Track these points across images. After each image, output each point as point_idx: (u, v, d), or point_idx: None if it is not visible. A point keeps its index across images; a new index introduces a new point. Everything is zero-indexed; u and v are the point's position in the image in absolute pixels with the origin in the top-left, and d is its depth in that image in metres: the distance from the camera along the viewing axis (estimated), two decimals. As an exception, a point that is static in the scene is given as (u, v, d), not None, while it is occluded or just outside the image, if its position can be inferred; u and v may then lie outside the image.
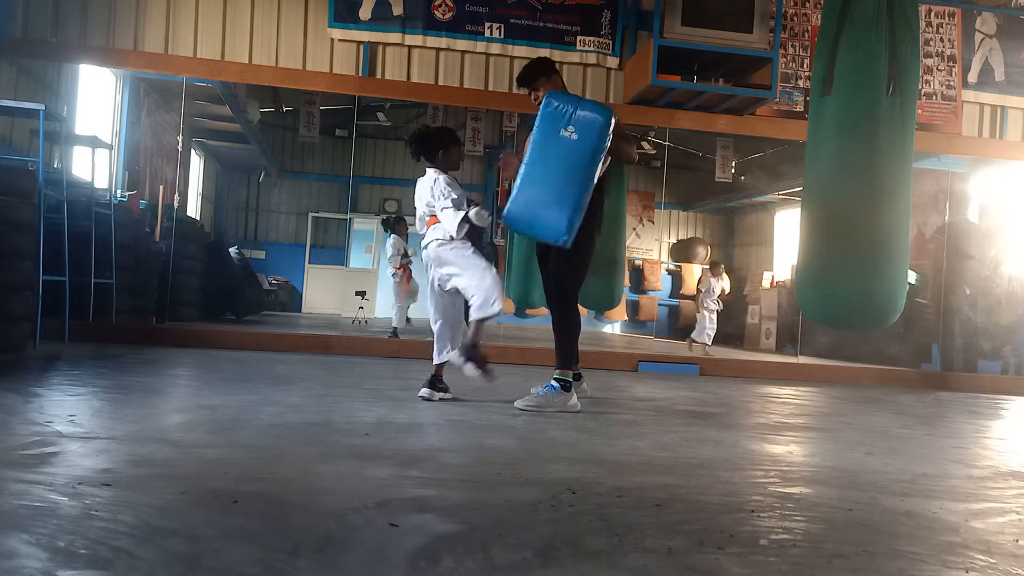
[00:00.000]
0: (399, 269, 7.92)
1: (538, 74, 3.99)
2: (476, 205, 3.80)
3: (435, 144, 3.89)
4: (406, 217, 8.02)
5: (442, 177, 3.83)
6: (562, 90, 3.95)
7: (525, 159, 3.69)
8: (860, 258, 3.96)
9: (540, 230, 3.67)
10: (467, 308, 3.90)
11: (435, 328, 3.90)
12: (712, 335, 9.27)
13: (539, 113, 3.67)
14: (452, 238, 3.76)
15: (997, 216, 8.59)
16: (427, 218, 3.88)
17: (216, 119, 9.49)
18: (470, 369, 3.70)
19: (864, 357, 8.48)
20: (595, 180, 3.61)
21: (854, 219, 3.98)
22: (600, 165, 3.61)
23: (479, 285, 3.69)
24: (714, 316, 9.40)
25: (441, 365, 3.87)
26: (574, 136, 3.53)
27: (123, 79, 8.17)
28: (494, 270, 3.76)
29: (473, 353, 3.70)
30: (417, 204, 3.93)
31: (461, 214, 3.72)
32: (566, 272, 3.87)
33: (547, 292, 4.09)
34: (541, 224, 3.62)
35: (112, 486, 1.80)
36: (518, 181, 3.69)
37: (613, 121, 3.58)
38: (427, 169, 3.90)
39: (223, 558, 1.40)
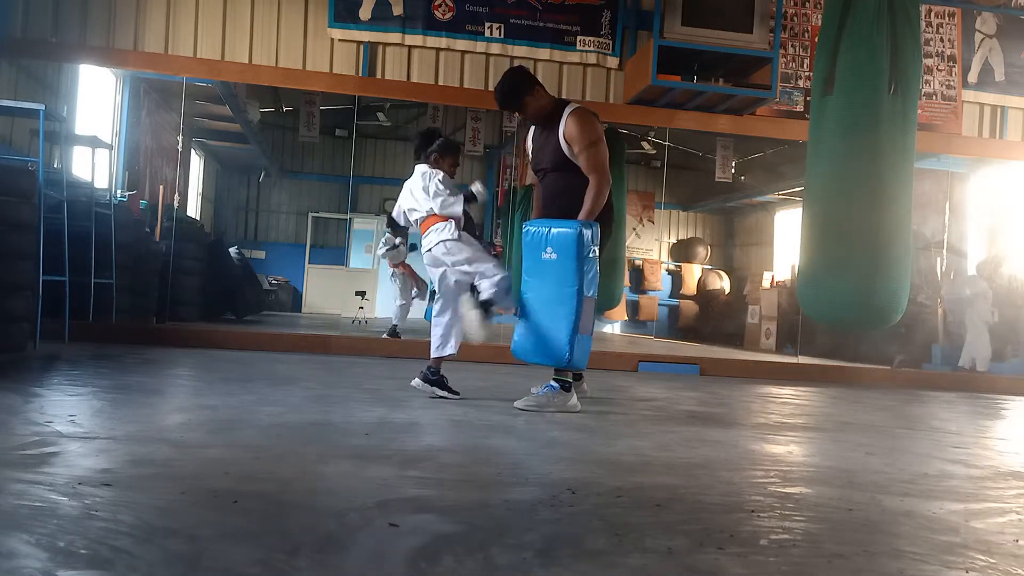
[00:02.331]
0: (398, 267, 7.90)
1: (521, 94, 3.84)
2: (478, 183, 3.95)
3: (443, 150, 3.94)
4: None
5: (441, 175, 3.88)
6: (545, 99, 3.89)
7: (522, 289, 3.82)
8: (862, 258, 3.95)
9: (545, 359, 3.76)
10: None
11: (439, 321, 3.91)
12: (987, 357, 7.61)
13: (522, 239, 3.81)
14: (459, 236, 3.80)
15: (997, 216, 8.59)
16: (423, 219, 3.88)
17: (216, 119, 9.49)
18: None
19: (864, 357, 8.48)
20: (588, 294, 3.62)
21: (855, 219, 3.98)
22: (593, 273, 3.62)
23: (496, 272, 3.81)
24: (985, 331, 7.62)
25: (440, 359, 3.88)
26: (554, 256, 3.64)
27: (123, 79, 8.17)
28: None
29: (488, 306, 3.77)
30: (405, 201, 3.96)
31: (459, 196, 3.82)
32: None
33: None
34: (544, 352, 3.73)
35: (112, 486, 1.80)
36: (518, 319, 3.84)
37: (593, 233, 3.59)
38: (417, 167, 3.94)
39: (223, 558, 1.40)
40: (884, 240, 3.95)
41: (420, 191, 3.86)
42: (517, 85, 3.87)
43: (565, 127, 3.76)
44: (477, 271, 3.82)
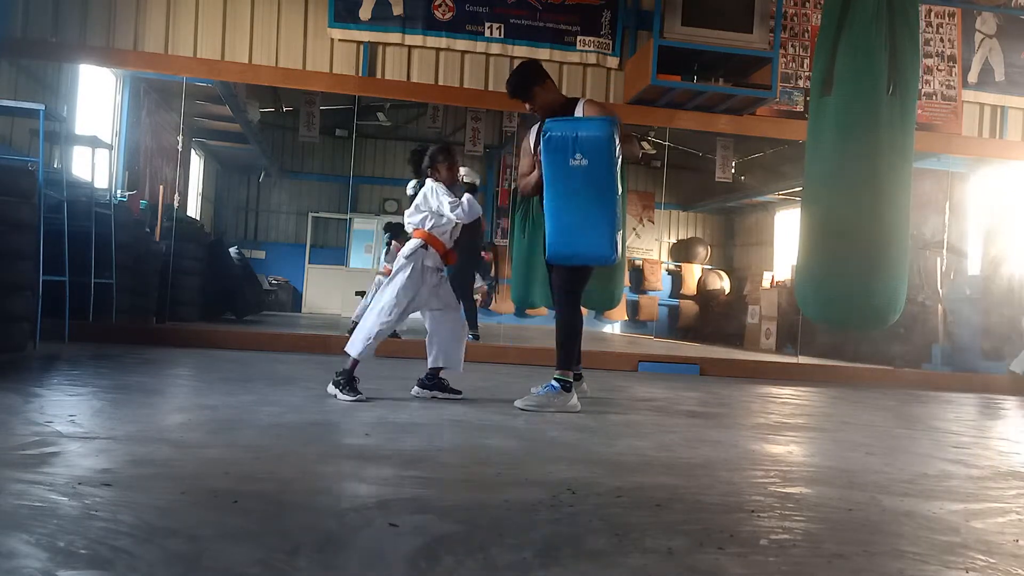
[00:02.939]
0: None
1: (531, 84, 3.90)
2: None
3: (434, 160, 3.89)
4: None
5: (440, 186, 3.84)
6: (555, 93, 3.95)
7: (545, 195, 3.70)
8: (860, 258, 3.95)
9: (585, 259, 3.70)
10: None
11: (430, 338, 3.92)
12: None
13: (542, 148, 3.67)
14: (411, 268, 3.76)
15: (997, 216, 8.59)
16: (415, 228, 3.88)
17: (216, 119, 9.49)
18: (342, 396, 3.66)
19: (864, 357, 8.48)
20: (620, 189, 3.62)
21: (854, 219, 3.98)
22: (619, 174, 3.60)
23: (375, 323, 3.72)
24: None
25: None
26: (584, 163, 3.54)
27: (123, 79, 8.17)
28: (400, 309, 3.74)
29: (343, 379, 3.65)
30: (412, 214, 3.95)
31: (465, 196, 3.78)
32: (571, 273, 3.87)
33: (552, 291, 4.10)
34: (584, 253, 3.67)
35: (112, 486, 1.80)
36: (547, 220, 3.71)
37: (616, 132, 3.57)
38: (427, 181, 3.92)
39: (223, 558, 1.40)
40: (882, 240, 3.95)
41: (420, 200, 3.85)
42: (528, 75, 3.92)
43: (584, 112, 3.81)
44: (375, 303, 3.80)
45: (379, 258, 9.58)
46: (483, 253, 9.28)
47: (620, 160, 3.61)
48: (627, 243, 9.80)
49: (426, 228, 3.82)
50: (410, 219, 3.88)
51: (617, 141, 3.56)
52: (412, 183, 3.95)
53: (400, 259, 3.80)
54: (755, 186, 11.76)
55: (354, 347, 3.71)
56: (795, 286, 4.42)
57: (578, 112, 3.81)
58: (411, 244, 3.82)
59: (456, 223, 3.83)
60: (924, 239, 8.74)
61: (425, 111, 9.70)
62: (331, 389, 3.65)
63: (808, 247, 4.21)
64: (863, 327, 4.69)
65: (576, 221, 3.62)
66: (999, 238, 8.49)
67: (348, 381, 3.61)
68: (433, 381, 3.87)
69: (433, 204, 3.79)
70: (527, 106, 3.98)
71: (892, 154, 3.95)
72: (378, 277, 7.99)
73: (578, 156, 3.54)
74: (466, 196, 3.79)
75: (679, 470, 2.49)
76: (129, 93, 8.28)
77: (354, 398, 3.55)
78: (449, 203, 3.74)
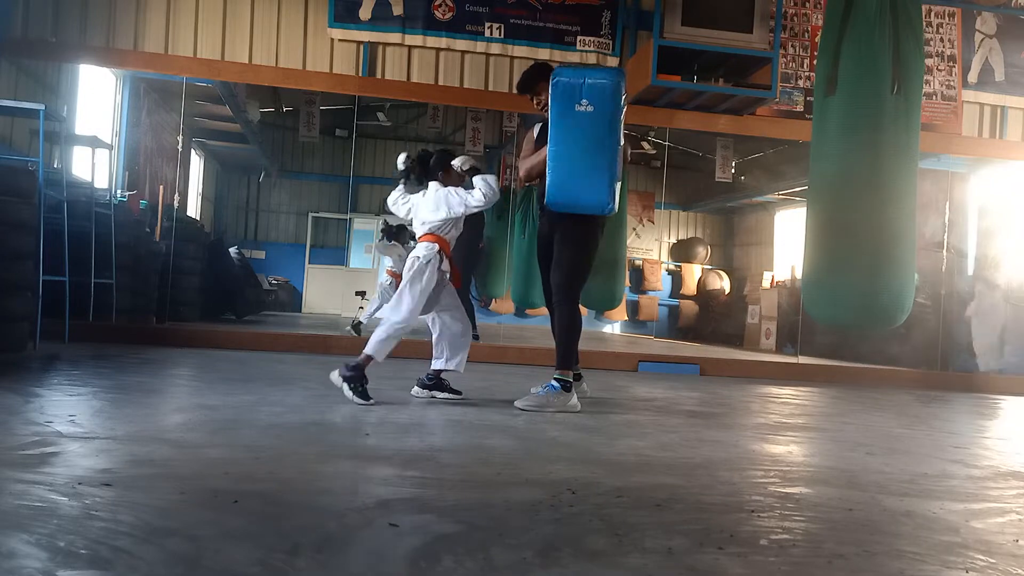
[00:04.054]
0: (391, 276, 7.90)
1: (538, 79, 3.99)
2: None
3: (442, 165, 3.88)
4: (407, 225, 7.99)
5: (443, 188, 3.83)
6: None
7: (549, 140, 3.73)
8: (866, 258, 3.95)
9: (583, 207, 3.73)
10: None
11: (434, 334, 3.91)
12: None
13: (550, 92, 3.70)
14: (426, 269, 3.74)
15: (997, 216, 8.58)
16: (424, 233, 3.86)
17: (216, 119, 9.49)
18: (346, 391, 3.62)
19: (864, 357, 8.48)
20: (621, 142, 3.67)
21: (859, 219, 3.98)
22: (622, 126, 3.65)
23: (392, 323, 3.71)
24: None
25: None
26: (590, 108, 3.58)
27: (123, 79, 8.17)
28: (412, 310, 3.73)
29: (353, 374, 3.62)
30: (415, 212, 3.93)
31: (477, 183, 3.76)
32: (569, 272, 3.87)
33: (547, 293, 4.10)
34: (582, 201, 3.71)
35: (112, 486, 1.80)
36: (549, 164, 3.73)
37: (623, 83, 3.63)
38: (431, 184, 3.88)
39: (223, 558, 1.39)
40: (888, 240, 3.95)
41: (429, 203, 3.83)
42: (536, 72, 4.01)
43: None
44: (391, 304, 3.79)
45: (378, 259, 9.59)
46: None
47: (624, 111, 3.66)
48: (627, 243, 9.80)
49: (443, 233, 3.81)
50: (425, 219, 3.84)
51: (624, 92, 3.62)
52: (402, 157, 3.92)
53: (417, 261, 3.77)
54: (755, 186, 11.76)
55: (371, 347, 3.69)
56: (801, 287, 4.42)
57: None
58: (427, 246, 3.79)
59: (457, 221, 3.82)
60: (924, 239, 8.74)
61: (425, 111, 9.70)
62: (336, 378, 3.60)
63: (814, 247, 4.21)
64: (870, 326, 4.68)
65: (576, 168, 3.66)
66: (998, 238, 8.49)
67: (360, 382, 3.57)
68: (434, 381, 3.87)
69: (455, 205, 3.76)
70: (534, 102, 4.00)
71: (897, 153, 3.95)
72: (383, 277, 8.00)
73: (584, 102, 3.59)
74: (479, 176, 3.76)
75: (679, 470, 2.49)
76: (129, 93, 8.28)
77: (362, 402, 3.53)
78: (471, 193, 3.75)
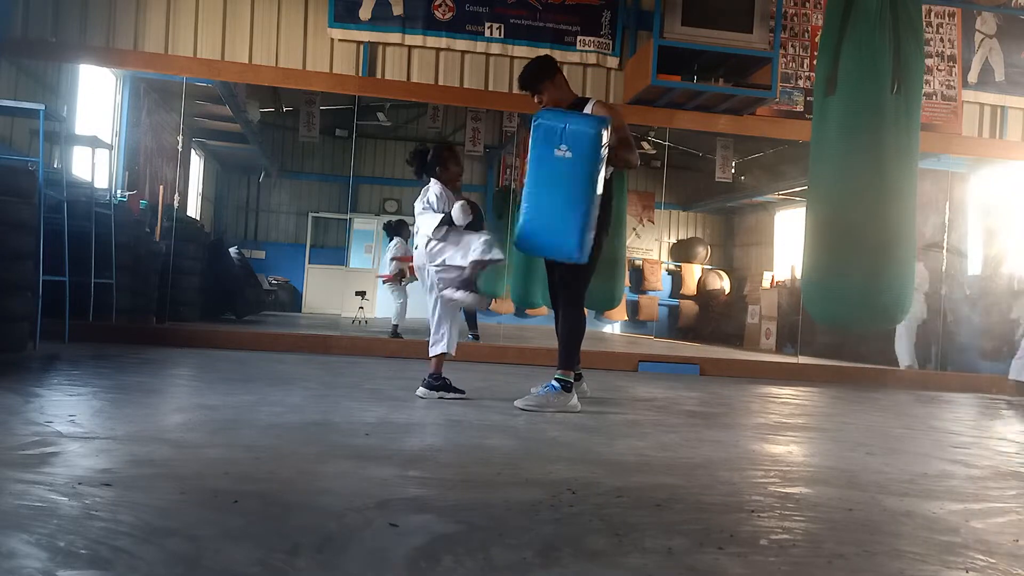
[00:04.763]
0: (388, 277, 7.92)
1: (541, 77, 3.91)
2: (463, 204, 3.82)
3: (437, 160, 3.90)
4: (406, 219, 8.02)
5: (437, 189, 3.87)
6: (566, 91, 3.96)
7: (526, 181, 3.70)
8: (866, 257, 3.95)
9: (551, 253, 3.72)
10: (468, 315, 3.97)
11: (432, 320, 3.92)
12: None
13: (531, 134, 3.66)
14: (444, 237, 3.81)
15: (997, 216, 8.58)
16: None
17: (216, 119, 9.49)
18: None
19: (864, 357, 8.48)
20: (599, 192, 3.60)
21: (860, 219, 3.98)
22: (601, 176, 3.60)
23: (464, 280, 3.80)
24: None
25: (439, 361, 3.88)
26: (568, 155, 3.51)
27: (123, 79, 8.17)
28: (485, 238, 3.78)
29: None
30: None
31: (439, 216, 3.76)
32: (573, 273, 3.87)
33: (552, 293, 4.10)
34: (551, 248, 3.68)
35: (112, 486, 1.80)
36: (523, 206, 3.70)
37: (606, 132, 3.55)
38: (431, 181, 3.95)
39: (223, 558, 1.39)
40: (888, 239, 3.95)
41: (418, 203, 3.89)
42: (540, 68, 3.93)
43: (592, 113, 3.79)
44: (448, 277, 3.82)
45: (379, 259, 9.59)
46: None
47: (605, 161, 3.59)
48: (627, 243, 9.80)
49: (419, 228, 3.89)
50: (417, 208, 3.90)
51: (605, 140, 3.53)
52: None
53: (435, 244, 3.83)
54: (755, 186, 11.75)
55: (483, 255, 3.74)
56: (801, 287, 4.42)
57: (586, 112, 3.80)
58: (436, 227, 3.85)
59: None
60: (924, 239, 8.74)
61: (425, 111, 9.70)
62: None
63: (814, 247, 4.21)
64: (871, 326, 4.69)
65: (550, 213, 3.59)
66: (999, 238, 8.49)
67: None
68: (440, 382, 3.87)
69: (419, 202, 3.85)
70: (536, 99, 3.97)
71: (897, 153, 3.95)
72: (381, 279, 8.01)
73: (563, 147, 3.52)
74: (458, 204, 3.79)
75: (679, 470, 2.49)
76: (129, 93, 8.28)
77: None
78: (423, 209, 3.83)
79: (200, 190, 10.98)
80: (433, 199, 3.83)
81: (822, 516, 2.01)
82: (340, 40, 6.47)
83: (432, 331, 3.91)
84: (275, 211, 11.61)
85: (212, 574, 1.32)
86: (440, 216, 3.77)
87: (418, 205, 3.88)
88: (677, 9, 6.08)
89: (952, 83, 7.14)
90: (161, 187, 8.54)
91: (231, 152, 11.11)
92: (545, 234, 3.63)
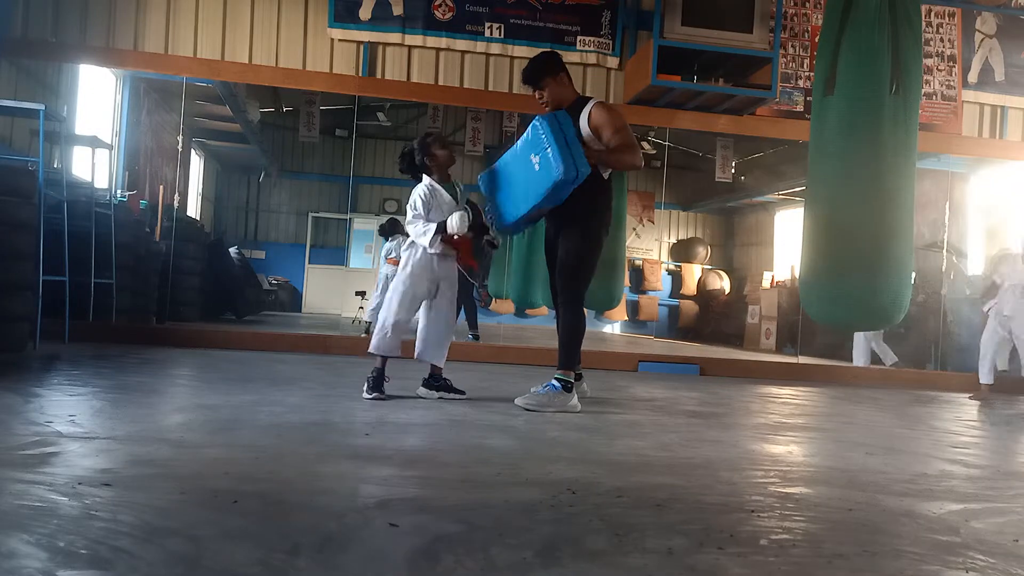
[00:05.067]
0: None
1: (543, 73, 3.88)
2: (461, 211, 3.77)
3: (422, 151, 3.83)
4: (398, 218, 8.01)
5: (422, 189, 3.79)
6: (568, 90, 3.94)
7: (505, 155, 3.84)
8: (864, 257, 3.95)
9: (495, 209, 3.92)
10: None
11: (419, 328, 3.91)
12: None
13: (528, 130, 3.70)
14: (411, 267, 3.78)
15: (997, 216, 8.59)
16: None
17: (216, 119, 9.49)
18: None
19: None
20: (541, 208, 3.76)
21: (858, 218, 3.98)
22: (551, 200, 3.71)
23: (382, 326, 3.84)
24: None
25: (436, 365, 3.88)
26: (537, 167, 3.62)
27: (123, 79, 8.17)
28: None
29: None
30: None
31: (431, 227, 3.70)
32: (572, 274, 3.86)
33: (553, 292, 4.09)
34: (497, 209, 3.90)
35: (112, 486, 1.80)
36: (495, 165, 3.89)
37: (568, 185, 3.57)
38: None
39: (223, 558, 1.39)
40: (886, 239, 3.95)
41: (408, 210, 3.83)
42: (543, 65, 3.92)
43: (590, 115, 3.78)
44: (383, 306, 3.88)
45: (378, 259, 9.58)
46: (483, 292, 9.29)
47: (564, 187, 3.63)
48: (627, 243, 9.81)
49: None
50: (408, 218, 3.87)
51: (569, 183, 3.56)
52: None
53: (410, 263, 3.84)
54: (755, 186, 11.76)
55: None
56: (799, 286, 4.42)
57: (584, 113, 3.78)
58: (414, 248, 3.86)
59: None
60: (924, 239, 8.74)
61: (425, 111, 9.70)
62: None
63: (812, 247, 4.21)
64: (868, 326, 4.69)
65: (506, 192, 3.84)
66: (999, 238, 8.48)
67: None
68: (439, 381, 3.87)
69: (409, 207, 3.81)
70: (537, 95, 3.95)
71: (895, 153, 3.96)
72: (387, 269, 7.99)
73: (536, 158, 3.61)
74: (456, 214, 3.72)
75: (679, 470, 2.49)
76: (129, 93, 8.28)
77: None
78: (413, 225, 3.79)
79: (200, 190, 10.98)
80: (419, 203, 3.73)
81: (822, 516, 2.01)
82: (340, 40, 6.47)
83: (419, 339, 3.89)
84: (275, 211, 11.61)
85: (212, 574, 1.32)
86: (433, 226, 3.69)
87: (409, 212, 3.79)
88: (677, 9, 6.08)
89: (952, 83, 7.14)
90: (161, 187, 8.54)
91: (231, 152, 11.11)
92: (497, 199, 3.89)
